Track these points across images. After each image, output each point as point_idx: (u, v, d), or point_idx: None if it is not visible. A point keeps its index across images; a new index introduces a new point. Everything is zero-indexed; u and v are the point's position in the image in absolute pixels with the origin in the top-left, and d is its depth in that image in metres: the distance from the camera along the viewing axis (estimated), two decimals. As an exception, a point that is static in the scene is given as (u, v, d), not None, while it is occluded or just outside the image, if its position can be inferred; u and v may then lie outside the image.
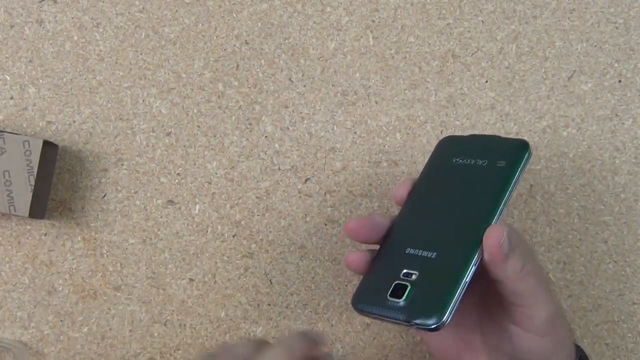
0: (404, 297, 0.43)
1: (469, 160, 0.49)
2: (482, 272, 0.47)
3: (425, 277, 0.44)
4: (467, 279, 0.43)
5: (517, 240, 0.45)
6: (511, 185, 0.46)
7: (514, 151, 0.47)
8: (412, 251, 0.46)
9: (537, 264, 0.47)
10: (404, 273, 0.45)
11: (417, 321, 0.42)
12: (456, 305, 0.42)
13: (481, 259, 0.44)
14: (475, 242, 0.44)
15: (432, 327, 0.41)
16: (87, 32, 0.60)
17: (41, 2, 0.60)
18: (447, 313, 0.41)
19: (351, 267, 0.48)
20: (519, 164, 0.47)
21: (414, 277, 0.44)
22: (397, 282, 0.44)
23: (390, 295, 0.44)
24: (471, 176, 0.48)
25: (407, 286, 0.44)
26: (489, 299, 0.49)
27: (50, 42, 0.60)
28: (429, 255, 0.45)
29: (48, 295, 0.59)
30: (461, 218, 0.46)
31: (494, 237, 0.43)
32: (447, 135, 0.54)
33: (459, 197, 0.47)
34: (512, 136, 0.61)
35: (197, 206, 0.60)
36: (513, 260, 0.44)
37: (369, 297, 0.46)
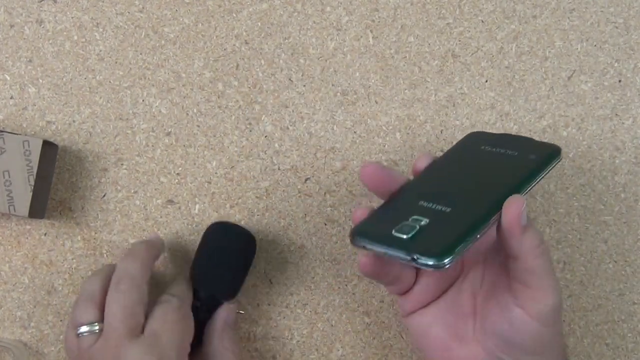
0: (410, 234, 0.42)
1: (498, 149, 0.49)
2: (493, 251, 0.47)
3: (435, 224, 0.43)
4: (478, 235, 0.42)
5: (535, 226, 0.45)
6: (538, 175, 0.46)
7: (546, 150, 0.48)
8: (425, 204, 0.45)
9: (550, 252, 0.47)
10: (414, 219, 0.44)
11: (418, 256, 0.41)
12: (461, 253, 0.41)
13: (497, 225, 0.44)
14: (493, 206, 0.43)
15: (433, 264, 0.40)
16: (87, 32, 0.60)
17: (41, 2, 0.60)
18: (451, 256, 0.40)
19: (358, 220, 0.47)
20: (550, 161, 0.47)
21: (423, 222, 0.43)
22: (405, 222, 0.44)
23: (395, 231, 0.43)
24: (498, 160, 0.48)
25: (415, 227, 0.43)
26: (496, 277, 0.48)
27: (50, 41, 0.60)
28: (442, 209, 0.44)
29: (48, 295, 0.59)
30: (482, 187, 0.46)
31: (515, 205, 0.43)
32: (475, 131, 0.55)
33: (482, 173, 0.47)
34: (512, 136, 0.61)
35: (197, 206, 0.60)
36: (531, 234, 0.43)
37: (371, 232, 0.44)
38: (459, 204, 0.44)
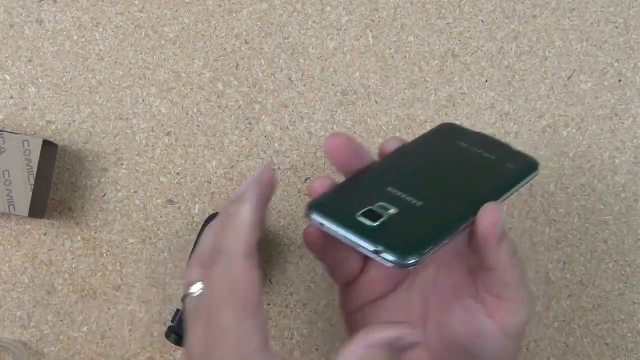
0: (377, 222, 0.38)
1: (475, 149, 0.46)
2: (453, 252, 0.43)
3: (405, 216, 0.39)
4: (448, 240, 0.39)
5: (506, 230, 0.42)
6: (515, 186, 0.43)
7: (525, 162, 0.45)
8: (394, 191, 0.41)
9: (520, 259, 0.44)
10: (381, 205, 0.40)
11: (383, 249, 0.37)
12: (427, 256, 0.37)
13: (470, 232, 0.41)
14: (468, 211, 0.40)
15: (396, 262, 0.37)
16: (87, 32, 0.60)
17: (41, 2, 0.60)
18: (418, 257, 0.37)
19: (317, 193, 0.42)
20: (528, 174, 0.44)
21: (391, 211, 0.39)
22: (371, 207, 0.39)
23: (360, 215, 0.39)
24: (475, 161, 0.45)
25: (382, 215, 0.39)
26: (457, 281, 0.45)
27: (50, 41, 0.60)
28: (413, 202, 0.40)
29: (48, 295, 0.59)
30: (456, 186, 0.42)
31: (492, 214, 0.40)
32: (448, 122, 0.51)
33: (457, 170, 0.44)
34: (512, 136, 0.61)
35: (197, 206, 0.60)
36: (506, 246, 0.40)
37: (331, 210, 0.40)
38: (431, 200, 0.41)
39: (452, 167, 0.44)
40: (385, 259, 0.37)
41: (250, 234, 0.39)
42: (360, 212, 0.39)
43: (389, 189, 0.41)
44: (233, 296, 0.39)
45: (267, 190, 0.41)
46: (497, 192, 0.42)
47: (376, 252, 0.37)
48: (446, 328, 0.44)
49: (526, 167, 0.44)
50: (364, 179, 0.43)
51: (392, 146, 0.45)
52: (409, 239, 0.38)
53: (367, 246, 0.37)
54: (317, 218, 0.39)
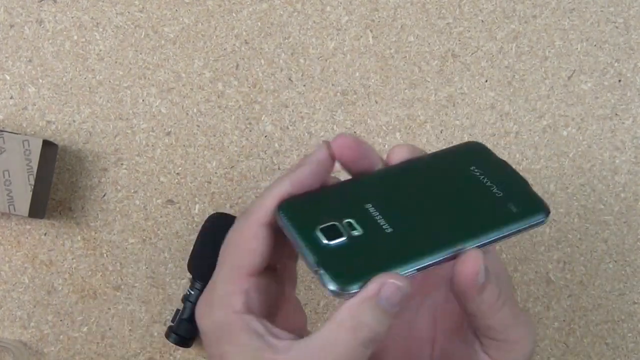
0: (332, 241, 0.37)
1: (485, 180, 0.43)
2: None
3: (367, 241, 0.38)
4: (407, 273, 0.37)
5: (492, 260, 0.39)
6: (510, 232, 0.40)
7: (534, 207, 0.41)
8: (371, 209, 0.39)
9: (511, 285, 0.42)
10: (347, 222, 0.38)
11: (324, 272, 0.36)
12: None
13: (451, 279, 0.38)
14: (443, 247, 0.38)
15: (331, 289, 0.35)
16: (87, 32, 0.60)
17: (41, 2, 0.60)
18: (356, 286, 0.35)
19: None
20: (532, 221, 0.40)
21: (354, 232, 0.38)
22: (335, 223, 0.38)
23: (320, 229, 0.38)
24: (478, 194, 0.42)
25: (342, 234, 0.37)
26: (460, 310, 0.42)
27: (50, 41, 0.60)
28: (384, 226, 0.39)
29: (48, 295, 0.59)
30: (441, 216, 0.40)
31: (471, 263, 0.37)
32: (479, 142, 0.47)
33: (452, 199, 0.42)
34: (512, 136, 0.61)
35: (197, 206, 0.60)
36: (489, 291, 0.38)
37: (297, 214, 0.39)
38: (405, 228, 0.39)
39: (449, 196, 0.42)
40: (323, 283, 0.36)
41: (274, 203, 0.38)
42: (322, 226, 0.38)
43: (367, 205, 0.40)
44: (230, 255, 0.39)
45: (319, 167, 0.40)
46: (486, 236, 0.39)
47: (316, 272, 0.36)
48: (449, 355, 0.43)
49: (532, 213, 0.41)
50: (347, 187, 0.41)
51: (399, 154, 0.42)
52: (355, 266, 0.36)
53: (310, 262, 0.37)
54: (281, 219, 0.39)
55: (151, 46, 0.61)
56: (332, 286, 0.35)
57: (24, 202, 0.54)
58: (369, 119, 0.61)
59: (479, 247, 0.38)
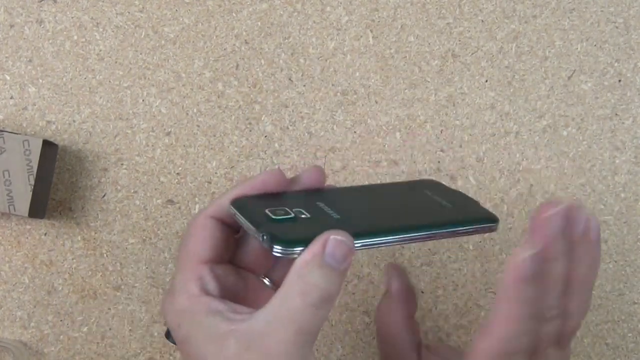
0: (278, 217, 0.39)
1: (437, 198, 0.45)
2: None
3: (313, 221, 0.40)
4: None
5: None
6: (453, 229, 0.42)
7: (482, 214, 0.44)
8: (320, 205, 0.41)
9: None
10: (297, 210, 0.40)
11: (268, 236, 0.37)
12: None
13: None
14: (387, 233, 0.39)
15: (276, 249, 0.37)
16: (87, 32, 0.60)
17: (41, 2, 0.60)
18: (300, 247, 0.37)
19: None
20: (476, 221, 0.42)
21: (303, 216, 0.40)
22: (284, 208, 0.40)
23: (269, 210, 0.40)
24: (425, 203, 0.44)
25: (289, 214, 0.39)
26: None
27: (50, 41, 0.60)
28: (332, 214, 0.40)
29: (48, 295, 0.59)
30: (387, 212, 0.42)
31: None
32: (434, 179, 0.51)
33: (400, 204, 0.44)
34: (512, 136, 0.61)
35: (197, 206, 0.60)
36: None
37: (250, 204, 0.41)
38: (351, 215, 0.41)
39: (399, 202, 0.44)
40: (269, 245, 0.37)
41: (225, 201, 0.42)
42: (271, 208, 0.40)
43: (319, 203, 0.42)
44: (183, 246, 0.42)
45: (271, 180, 0.43)
46: (429, 228, 0.41)
47: (263, 238, 0.38)
48: None
49: (478, 218, 0.43)
50: (303, 192, 0.44)
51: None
52: (300, 233, 0.38)
53: (257, 231, 0.38)
54: (232, 209, 0.41)
55: (151, 46, 0.61)
56: (277, 246, 0.37)
57: (24, 202, 0.54)
58: (369, 119, 0.61)
59: (423, 237, 0.40)
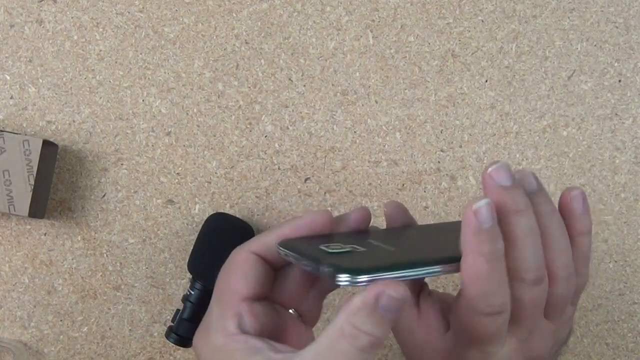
0: (335, 251, 0.39)
1: None
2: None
3: (369, 253, 0.40)
4: (401, 274, 0.38)
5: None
6: None
7: None
8: (372, 241, 0.42)
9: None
10: (352, 246, 0.40)
11: (329, 268, 0.37)
12: (374, 279, 0.37)
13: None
14: (432, 258, 0.40)
15: (340, 279, 0.36)
16: (87, 32, 0.60)
17: (41, 1, 0.60)
18: (368, 277, 0.36)
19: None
20: None
21: (359, 249, 0.40)
22: (339, 243, 0.40)
23: (324, 245, 0.39)
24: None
25: (346, 249, 0.39)
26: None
27: (50, 41, 0.60)
28: (386, 247, 0.41)
29: (48, 295, 0.59)
30: (435, 246, 0.43)
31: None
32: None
33: (445, 238, 0.44)
34: (512, 136, 0.61)
35: (197, 206, 0.60)
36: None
37: (300, 242, 0.41)
38: (405, 248, 0.41)
39: (441, 238, 0.44)
40: (332, 275, 0.37)
41: (270, 239, 0.41)
42: (325, 244, 0.39)
43: (368, 240, 0.42)
44: (222, 281, 0.41)
45: (315, 223, 0.43)
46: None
47: (322, 270, 0.37)
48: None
49: None
50: (350, 232, 0.44)
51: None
52: (360, 264, 0.38)
53: (316, 265, 0.38)
54: (282, 249, 0.41)
55: (151, 46, 0.61)
56: (342, 275, 0.36)
57: (24, 202, 0.54)
58: (369, 119, 0.61)
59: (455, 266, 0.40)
